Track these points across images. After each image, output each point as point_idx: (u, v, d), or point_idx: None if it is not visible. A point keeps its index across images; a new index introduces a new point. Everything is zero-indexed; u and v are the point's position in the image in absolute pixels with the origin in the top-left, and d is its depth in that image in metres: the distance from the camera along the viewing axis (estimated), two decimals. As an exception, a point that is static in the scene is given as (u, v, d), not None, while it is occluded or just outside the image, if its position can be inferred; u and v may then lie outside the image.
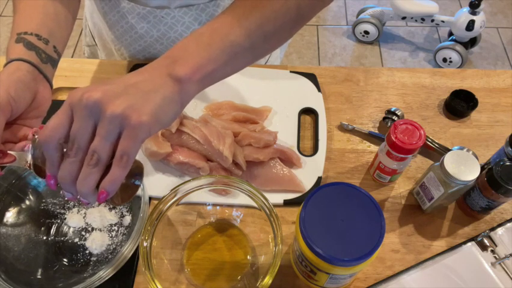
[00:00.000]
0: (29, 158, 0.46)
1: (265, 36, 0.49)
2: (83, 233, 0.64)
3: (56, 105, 0.78)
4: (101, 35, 0.87)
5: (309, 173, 0.69)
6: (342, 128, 0.75)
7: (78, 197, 0.42)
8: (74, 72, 0.83)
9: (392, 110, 0.75)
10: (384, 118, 0.75)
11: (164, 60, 0.44)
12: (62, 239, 0.64)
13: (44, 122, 0.53)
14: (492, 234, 0.63)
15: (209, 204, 0.65)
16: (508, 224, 0.64)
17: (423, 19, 1.95)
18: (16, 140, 0.50)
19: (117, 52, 0.85)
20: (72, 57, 2.06)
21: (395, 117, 0.74)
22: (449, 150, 0.67)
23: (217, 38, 0.45)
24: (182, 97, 0.43)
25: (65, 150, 0.42)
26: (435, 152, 0.72)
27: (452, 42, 1.92)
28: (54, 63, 0.55)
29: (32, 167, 0.46)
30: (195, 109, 0.76)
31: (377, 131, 0.75)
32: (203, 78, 0.44)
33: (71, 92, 0.41)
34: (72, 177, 0.40)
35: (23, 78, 0.49)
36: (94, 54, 0.95)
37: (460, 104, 0.77)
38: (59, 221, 0.65)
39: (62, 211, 0.66)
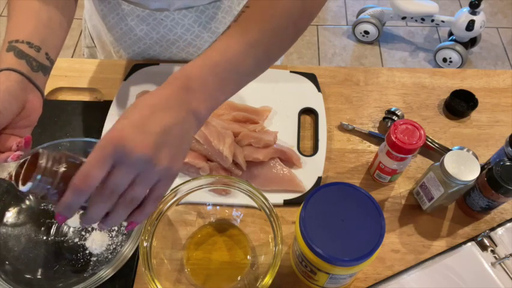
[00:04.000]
0: (12, 169, 0.45)
1: (269, 60, 0.52)
2: (83, 233, 0.64)
3: (55, 104, 0.79)
4: (100, 37, 0.87)
5: (309, 173, 0.69)
6: (342, 128, 0.75)
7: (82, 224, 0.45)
8: (74, 72, 0.83)
9: (392, 110, 0.75)
10: (384, 118, 0.75)
11: (180, 81, 0.45)
12: (62, 239, 0.64)
13: (34, 130, 0.52)
14: (492, 234, 0.63)
15: (209, 204, 0.65)
16: (508, 224, 0.64)
17: (423, 19, 1.95)
18: (4, 150, 0.49)
19: (116, 54, 0.85)
20: (72, 57, 2.06)
21: (395, 117, 0.74)
22: (449, 150, 0.67)
23: (232, 71, 0.48)
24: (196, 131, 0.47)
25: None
26: (435, 152, 0.72)
27: (452, 42, 1.92)
28: (46, 70, 0.54)
29: (13, 180, 0.44)
30: (194, 109, 0.76)
31: (377, 131, 0.75)
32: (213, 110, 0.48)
33: (110, 140, 0.39)
34: (101, 217, 0.42)
35: (11, 88, 0.49)
36: (93, 55, 0.94)
37: (460, 104, 0.77)
38: (59, 221, 0.65)
39: (62, 211, 0.66)
